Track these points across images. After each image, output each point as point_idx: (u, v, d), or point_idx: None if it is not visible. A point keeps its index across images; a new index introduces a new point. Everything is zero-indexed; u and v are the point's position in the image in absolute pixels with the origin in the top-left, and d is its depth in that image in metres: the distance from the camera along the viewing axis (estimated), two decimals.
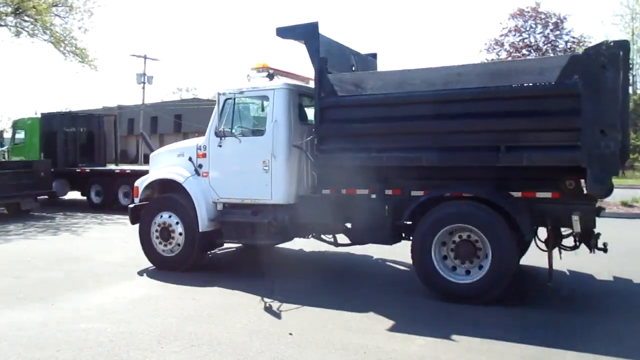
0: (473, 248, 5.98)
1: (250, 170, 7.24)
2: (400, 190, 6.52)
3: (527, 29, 41.12)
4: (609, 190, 5.59)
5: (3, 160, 19.32)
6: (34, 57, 63.28)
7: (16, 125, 20.03)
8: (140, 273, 7.63)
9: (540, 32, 40.69)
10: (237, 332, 5.05)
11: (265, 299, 6.09)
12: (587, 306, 6.06)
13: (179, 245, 7.60)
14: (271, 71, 7.38)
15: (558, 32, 40.02)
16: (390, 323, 5.26)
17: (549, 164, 5.76)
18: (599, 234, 6.06)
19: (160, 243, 7.74)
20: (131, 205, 8.27)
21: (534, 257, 7.07)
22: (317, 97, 6.78)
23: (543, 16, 40.20)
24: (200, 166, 7.64)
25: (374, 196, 6.61)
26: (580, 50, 5.34)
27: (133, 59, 42.77)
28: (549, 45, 40.65)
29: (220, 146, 7.44)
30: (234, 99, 7.30)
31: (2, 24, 19.39)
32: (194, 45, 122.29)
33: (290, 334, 4.98)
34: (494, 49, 42.42)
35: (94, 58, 21.09)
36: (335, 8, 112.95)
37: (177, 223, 7.60)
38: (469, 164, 6.13)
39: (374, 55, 8.82)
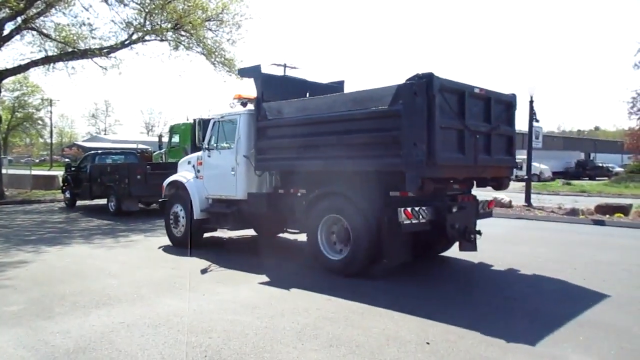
0: (347, 233, 7.65)
1: (225, 174, 9.54)
2: (305, 189, 8.41)
3: None
4: (419, 189, 6.84)
5: (161, 161, 21.31)
6: (188, 68, 68.96)
7: (172, 130, 22.07)
8: (281, 270, 8.02)
9: None
10: (374, 336, 5.06)
11: (399, 305, 6.04)
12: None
13: (183, 227, 10.22)
14: (245, 100, 9.70)
15: None
16: (532, 339, 4.93)
17: (382, 169, 7.35)
18: (466, 228, 7.78)
19: (174, 227, 10.49)
20: (160, 200, 11.23)
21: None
22: (255, 120, 9.03)
23: None
24: (198, 171, 10.23)
25: (299, 194, 8.55)
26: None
27: (273, 67, 44.90)
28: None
29: (209, 156, 9.94)
30: (219, 121, 9.75)
31: (163, 38, 21.48)
32: (332, 53, 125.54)
33: (428, 343, 4.88)
34: None
35: (240, 67, 22.45)
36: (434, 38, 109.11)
37: (182, 211, 10.24)
38: (340, 170, 7.84)
39: (341, 83, 10.77)
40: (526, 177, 19.90)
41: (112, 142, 67.33)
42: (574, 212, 15.72)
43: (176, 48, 21.82)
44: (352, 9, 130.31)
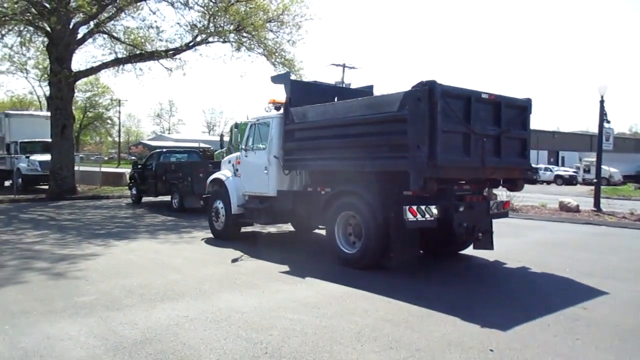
0: (361, 229, 8.15)
1: (259, 173, 10.25)
2: (330, 188, 8.88)
3: None
4: (422, 188, 7.29)
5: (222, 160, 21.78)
6: (249, 69, 70.36)
7: (234, 128, 22.54)
8: (336, 270, 8.01)
9: None
10: (435, 340, 4.97)
11: (460, 310, 5.91)
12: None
13: (223, 221, 11.03)
14: (278, 104, 10.49)
15: None
16: (600, 353, 4.69)
17: (390, 169, 7.89)
18: (473, 227, 8.05)
19: (215, 221, 11.31)
20: (204, 196, 12.15)
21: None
22: (283, 123, 9.74)
23: None
24: (237, 170, 11.04)
25: (323, 192, 9.02)
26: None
27: (332, 67, 45.02)
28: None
29: (246, 156, 10.72)
30: (255, 124, 10.53)
31: (226, 40, 21.97)
32: (391, 52, 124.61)
33: (491, 350, 4.74)
34: None
35: (300, 68, 22.65)
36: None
37: (222, 207, 11.03)
38: (355, 170, 8.42)
39: (370, 87, 11.39)
40: (595, 180, 19.02)
41: (175, 141, 69.64)
42: None
43: (238, 49, 22.27)
44: (415, 8, 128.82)
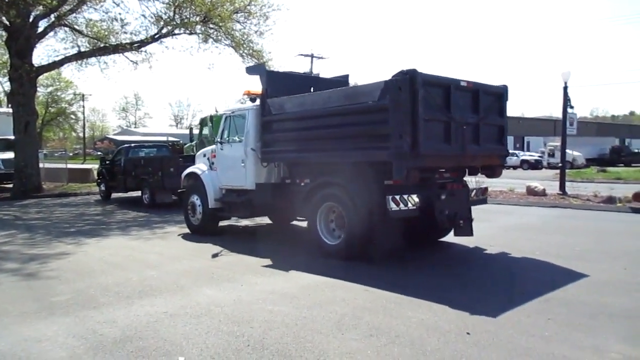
0: (344, 220, 8.11)
1: (236, 166, 10.12)
2: (309, 179, 8.93)
3: None
4: (405, 178, 7.28)
5: (192, 153, 21.57)
6: (216, 60, 69.53)
7: (203, 122, 22.31)
8: (313, 260, 8.07)
9: None
10: (413, 326, 5.08)
11: (437, 295, 6.04)
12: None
13: (199, 215, 10.84)
14: (253, 96, 10.23)
15: None
16: (573, 331, 4.87)
17: (371, 160, 7.84)
18: (456, 214, 8.14)
19: (191, 216, 11.11)
20: (179, 190, 12.21)
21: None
22: (260, 115, 9.63)
23: None
24: (213, 163, 10.86)
25: (302, 184, 9.03)
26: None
27: (300, 58, 44.88)
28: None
29: (222, 149, 10.55)
30: (230, 116, 10.39)
31: (192, 32, 21.66)
32: (360, 42, 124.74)
33: (468, 333, 4.87)
34: None
35: (268, 59, 22.53)
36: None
37: (198, 201, 10.87)
38: (335, 160, 8.36)
39: (345, 77, 11.30)
40: (560, 164, 19.53)
41: (142, 135, 68.40)
42: (610, 200, 15.37)
43: (205, 41, 22.01)
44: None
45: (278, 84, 9.80)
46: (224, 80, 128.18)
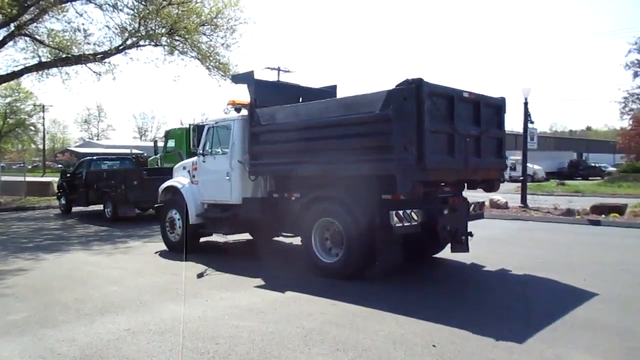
0: (341, 237, 7.70)
1: (220, 179, 9.56)
2: (299, 194, 8.51)
3: None
4: (410, 192, 6.94)
5: (157, 166, 21.26)
6: (183, 73, 68.97)
7: (168, 135, 22.04)
8: (281, 275, 8.02)
9: None
10: (380, 339, 5.08)
11: (403, 308, 6.07)
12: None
13: (179, 232, 10.23)
14: (238, 106, 9.68)
15: None
16: (537, 340, 4.96)
17: (374, 173, 7.43)
18: (457, 230, 7.93)
19: (170, 232, 10.51)
20: (156, 205, 11.31)
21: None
22: (249, 126, 9.03)
23: None
24: (194, 176, 10.26)
25: (293, 198, 8.60)
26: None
27: (267, 71, 44.86)
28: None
29: (204, 162, 10.00)
30: (213, 127, 9.82)
31: (158, 43, 21.42)
32: (320, 57, 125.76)
33: (434, 345, 4.90)
34: None
35: (235, 72, 22.45)
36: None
37: (178, 217, 10.26)
38: (332, 174, 7.90)
39: (334, 87, 10.74)
40: (521, 178, 20.02)
41: (105, 148, 67.14)
42: (570, 213, 15.82)
43: (171, 53, 21.81)
44: (348, 13, 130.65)
45: (266, 94, 9.34)
46: (190, 93, 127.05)
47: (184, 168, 10.74)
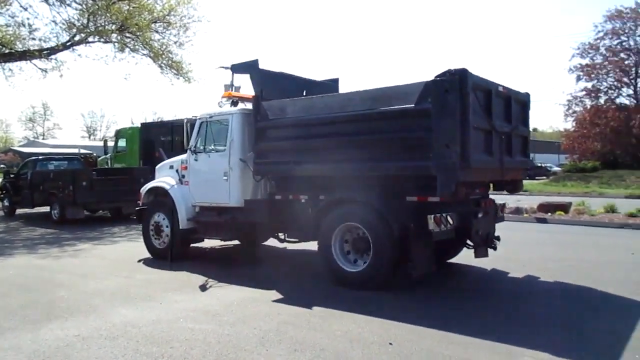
0: (367, 243, 6.98)
1: (216, 179, 8.71)
2: (308, 195, 7.72)
3: (626, 31, 38.67)
4: (452, 194, 6.31)
5: (107, 167, 20.68)
6: (134, 71, 67.28)
7: (118, 134, 21.49)
8: (238, 276, 7.90)
9: None
10: (338, 339, 5.09)
11: (360, 307, 6.11)
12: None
13: (167, 236, 9.32)
14: (235, 99, 9.11)
15: None
16: (489, 336, 5.09)
17: (409, 173, 6.80)
18: (490, 235, 7.58)
19: (155, 238, 9.55)
20: (137, 208, 10.19)
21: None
22: (254, 120, 8.20)
23: None
24: (183, 176, 9.33)
25: (303, 200, 7.81)
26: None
27: (221, 70, 44.38)
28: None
29: (196, 160, 9.13)
30: (207, 122, 8.94)
31: (108, 40, 20.85)
32: (280, 55, 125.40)
33: (391, 343, 4.95)
34: (588, 53, 40.31)
35: (188, 70, 22.13)
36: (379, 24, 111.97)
37: (165, 220, 9.36)
38: (355, 174, 7.23)
39: (335, 80, 10.04)
40: None
41: (51, 147, 64.51)
42: (518, 211, 16.33)
43: (121, 50, 21.29)
44: (304, 11, 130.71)
45: (270, 85, 8.45)
46: (142, 91, 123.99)
47: (171, 167, 9.77)
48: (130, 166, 18.43)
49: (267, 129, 8.16)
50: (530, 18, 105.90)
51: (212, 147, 8.94)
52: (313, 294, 6.77)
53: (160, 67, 21.76)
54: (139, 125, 20.41)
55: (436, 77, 6.42)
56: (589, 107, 39.31)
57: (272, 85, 8.48)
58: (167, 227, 9.32)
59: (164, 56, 21.47)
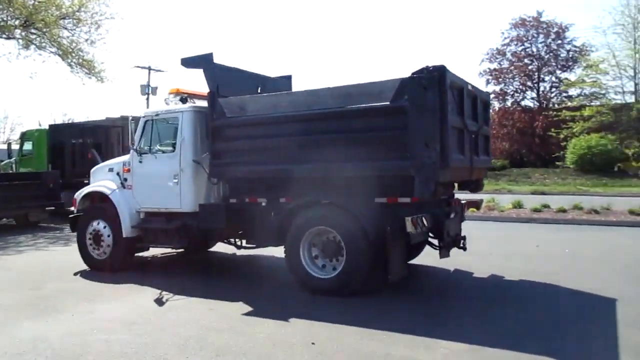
0: (337, 248, 6.72)
1: (164, 183, 8.13)
2: (290, 198, 7.22)
3: (529, 38, 41.31)
4: (431, 194, 6.21)
5: (11, 171, 19.35)
6: (41, 69, 63.25)
7: (24, 137, 20.12)
8: (154, 283, 7.62)
9: (542, 42, 40.90)
10: (260, 342, 5.06)
11: (283, 308, 6.14)
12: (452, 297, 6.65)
13: (108, 247, 8.55)
14: (184, 95, 8.34)
15: (560, 42, 40.23)
16: (407, 330, 5.25)
17: (385, 173, 6.52)
18: (458, 235, 7.44)
19: (93, 248, 8.72)
20: (71, 215, 9.30)
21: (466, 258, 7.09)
22: (209, 118, 7.69)
23: (545, 25, 40.40)
24: (126, 180, 8.62)
25: (264, 204, 7.45)
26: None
27: (137, 70, 42.88)
28: (551, 54, 40.82)
29: (140, 162, 8.43)
30: (152, 120, 8.36)
31: (11, 36, 19.53)
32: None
33: (313, 343, 4.98)
34: (496, 58, 42.64)
35: (101, 70, 21.21)
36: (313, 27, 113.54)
37: (106, 228, 8.58)
38: (323, 175, 6.87)
39: (289, 77, 9.69)
40: None
41: None
42: None
43: (26, 47, 20.04)
44: (223, 11, 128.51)
45: (223, 81, 7.90)
46: (50, 91, 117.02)
47: (111, 170, 8.96)
48: (38, 170, 17.31)
49: (226, 128, 7.66)
50: (445, 23, 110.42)
51: (159, 147, 8.37)
52: (236, 299, 6.65)
53: (70, 65, 20.77)
54: (47, 127, 19.23)
55: (413, 73, 6.27)
56: (497, 109, 41.60)
57: (225, 80, 7.95)
58: (108, 236, 8.55)
59: (74, 54, 20.48)
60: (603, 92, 34.35)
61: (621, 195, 20.75)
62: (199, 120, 8.02)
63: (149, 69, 41.19)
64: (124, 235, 8.35)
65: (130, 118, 8.91)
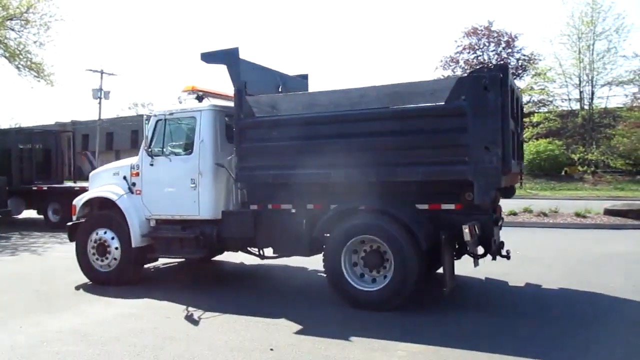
0: (381, 258, 6.33)
1: (180, 188, 7.52)
2: (320, 205, 6.80)
3: (481, 46, 42.50)
4: (493, 201, 5.96)
5: None
6: None
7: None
8: (108, 292, 7.41)
9: (493, 50, 42.13)
10: (218, 350, 5.00)
11: (239, 315, 6.08)
12: (496, 309, 6.51)
13: (115, 259, 7.82)
14: (200, 93, 7.74)
15: (510, 50, 41.55)
16: (365, 334, 5.31)
17: (441, 178, 6.13)
18: (502, 243, 6.88)
19: (97, 259, 7.96)
20: (69, 223, 8.51)
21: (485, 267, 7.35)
22: (236, 118, 7.11)
23: (495, 35, 41.65)
24: (134, 184, 7.90)
25: (293, 211, 6.94)
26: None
27: (89, 73, 41.83)
28: (502, 62, 42.11)
29: (152, 165, 7.73)
30: (165, 120, 7.64)
31: None
32: (150, 60, 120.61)
33: (271, 349, 4.97)
34: (450, 65, 43.65)
35: (50, 73, 20.58)
36: (272, 30, 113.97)
37: (113, 238, 7.83)
38: (371, 180, 6.41)
39: (305, 77, 9.19)
40: None
41: None
42: None
43: None
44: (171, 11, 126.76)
45: (248, 78, 7.28)
46: None
47: (116, 174, 8.24)
48: None
49: (254, 128, 7.09)
50: (402, 32, 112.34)
51: (173, 149, 7.79)
52: (193, 306, 6.55)
53: (18, 68, 20.06)
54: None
55: (472, 72, 6.02)
56: None
57: (249, 78, 7.34)
58: (116, 248, 7.80)
59: (21, 56, 19.83)
60: (550, 99, 35.84)
61: (568, 198, 21.65)
62: (219, 120, 7.50)
63: (101, 72, 40.27)
64: (134, 245, 7.64)
65: (145, 117, 8.14)
